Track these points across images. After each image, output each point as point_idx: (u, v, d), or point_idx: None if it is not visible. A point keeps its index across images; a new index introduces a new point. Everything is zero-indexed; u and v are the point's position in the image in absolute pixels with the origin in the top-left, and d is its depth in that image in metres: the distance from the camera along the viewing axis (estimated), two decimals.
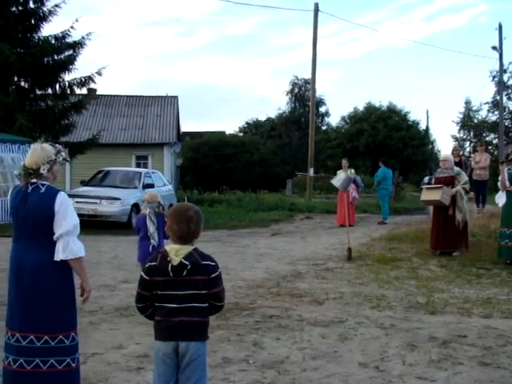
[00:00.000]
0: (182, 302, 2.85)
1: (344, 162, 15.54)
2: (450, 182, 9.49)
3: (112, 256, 10.22)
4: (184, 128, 41.59)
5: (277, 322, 5.68)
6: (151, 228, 6.42)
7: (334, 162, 41.01)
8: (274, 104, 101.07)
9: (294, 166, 42.00)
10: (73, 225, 3.25)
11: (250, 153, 39.03)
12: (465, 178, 9.66)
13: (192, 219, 2.92)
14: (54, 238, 3.24)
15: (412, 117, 47.16)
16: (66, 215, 3.25)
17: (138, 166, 28.92)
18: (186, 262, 2.85)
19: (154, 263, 2.90)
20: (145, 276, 2.91)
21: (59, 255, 3.22)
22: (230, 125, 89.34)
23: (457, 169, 9.69)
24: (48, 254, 3.23)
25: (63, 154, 3.45)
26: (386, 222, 15.81)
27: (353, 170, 15.47)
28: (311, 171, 24.46)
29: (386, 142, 42.77)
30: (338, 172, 14.18)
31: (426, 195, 9.68)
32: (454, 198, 9.41)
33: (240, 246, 11.16)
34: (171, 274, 2.85)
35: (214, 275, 2.92)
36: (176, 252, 2.88)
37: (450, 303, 6.43)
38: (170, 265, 2.85)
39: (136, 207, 15.24)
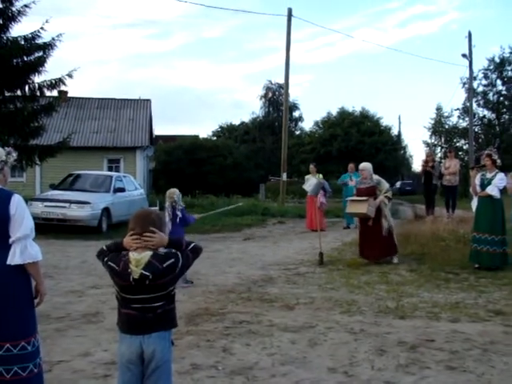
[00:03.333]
0: (143, 303, 2.84)
1: (311, 166, 15.62)
2: (371, 192, 9.51)
3: (81, 261, 10.09)
4: (157, 131, 41.45)
5: (247, 327, 5.67)
6: (166, 218, 7.66)
7: (307, 167, 41.42)
8: (248, 108, 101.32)
9: (267, 171, 42.13)
10: (30, 228, 3.19)
11: (223, 157, 39.01)
12: (385, 185, 9.70)
13: (155, 223, 2.90)
14: (10, 241, 3.15)
15: (384, 122, 47.93)
16: (23, 218, 3.17)
17: (110, 169, 28.65)
18: (147, 273, 2.80)
19: (116, 267, 2.86)
20: (105, 249, 2.96)
21: (16, 259, 3.13)
22: (204, 129, 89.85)
23: (376, 178, 9.73)
24: (4, 258, 3.14)
25: (14, 155, 3.39)
26: (351, 227, 15.78)
27: (321, 176, 15.56)
28: (284, 176, 24.55)
29: (358, 147, 43.28)
30: (307, 177, 14.24)
31: (352, 208, 9.75)
32: (378, 207, 9.44)
33: (212, 251, 11.13)
34: (133, 283, 2.81)
35: (179, 266, 2.86)
36: (136, 263, 2.82)
37: (419, 308, 6.50)
38: (131, 276, 2.81)
39: (107, 211, 15.08)
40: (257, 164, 43.29)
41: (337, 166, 42.52)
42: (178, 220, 7.83)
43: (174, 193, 7.97)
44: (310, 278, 8.49)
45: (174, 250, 2.89)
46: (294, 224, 18.05)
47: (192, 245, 2.95)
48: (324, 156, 43.16)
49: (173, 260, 2.85)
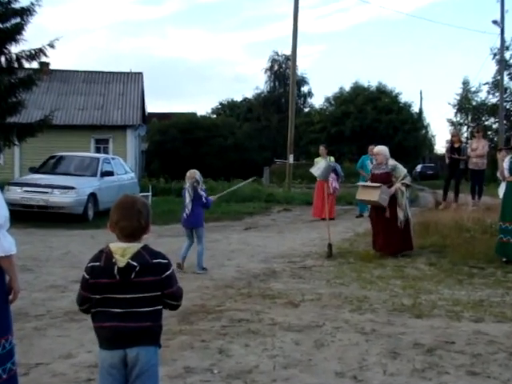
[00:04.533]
0: (130, 306, 2.82)
1: (322, 148, 15.69)
2: (386, 179, 9.58)
3: (64, 252, 10.13)
4: (150, 108, 41.40)
5: (246, 326, 5.69)
6: (187, 199, 8.55)
7: (316, 148, 41.32)
8: (251, 83, 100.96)
9: (272, 153, 42.12)
10: (4, 218, 3.17)
11: (223, 137, 39.00)
12: (402, 171, 9.74)
13: (142, 213, 2.89)
14: None
15: (404, 98, 47.73)
16: None
17: (98, 150, 28.70)
18: (134, 263, 2.81)
19: (97, 263, 2.86)
20: (87, 276, 2.87)
21: None
22: (202, 105, 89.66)
23: (392, 163, 9.79)
24: None
25: None
26: (364, 215, 15.84)
27: (332, 158, 15.59)
28: (291, 158, 24.56)
29: (374, 126, 43.14)
30: (317, 160, 14.30)
31: (363, 194, 9.83)
32: (393, 196, 9.47)
33: (209, 242, 11.13)
34: (118, 276, 2.81)
35: (166, 274, 2.89)
36: (122, 252, 2.83)
37: (438, 306, 6.51)
38: (115, 267, 2.81)
39: (93, 197, 15.12)
40: (260, 145, 43.27)
41: (349, 148, 42.52)
42: (203, 199, 8.59)
43: (195, 173, 8.66)
44: (317, 272, 8.52)
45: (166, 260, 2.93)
46: (301, 212, 18.10)
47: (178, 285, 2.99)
48: (335, 136, 43.10)
49: (164, 261, 2.90)
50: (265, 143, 44.62)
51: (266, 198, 20.98)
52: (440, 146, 70.41)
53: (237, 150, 38.96)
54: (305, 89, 53.13)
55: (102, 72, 33.88)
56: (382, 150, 9.89)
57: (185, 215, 8.66)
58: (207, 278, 8.06)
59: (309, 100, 53.92)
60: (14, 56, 17.06)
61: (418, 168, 47.75)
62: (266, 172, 31.25)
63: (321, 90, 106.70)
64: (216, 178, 25.92)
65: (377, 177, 9.74)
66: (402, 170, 9.80)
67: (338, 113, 45.17)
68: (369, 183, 9.84)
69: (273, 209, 18.92)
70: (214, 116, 51.35)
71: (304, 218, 16.31)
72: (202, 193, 8.64)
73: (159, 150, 37.37)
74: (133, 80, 33.36)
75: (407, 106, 47.47)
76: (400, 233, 9.49)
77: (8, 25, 16.87)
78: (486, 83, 41.39)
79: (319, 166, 10.53)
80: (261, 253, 10.28)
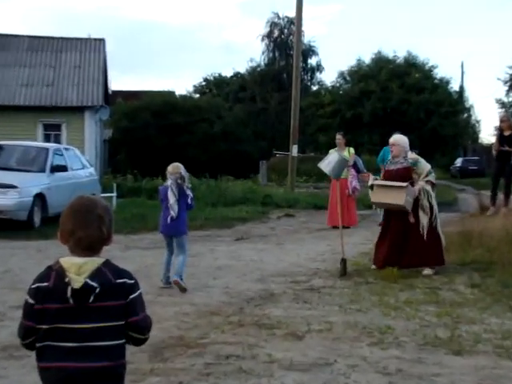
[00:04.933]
0: (85, 339, 2.78)
1: (339, 137, 15.75)
2: (404, 176, 9.73)
3: (2, 270, 10.11)
4: (115, 85, 41.55)
5: (236, 364, 5.69)
6: (171, 199, 8.82)
7: (327, 137, 41.36)
8: (244, 53, 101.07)
9: (270, 143, 42.30)
10: None
11: (209, 122, 39.11)
12: (425, 167, 9.87)
13: (104, 220, 2.87)
14: None
15: (440, 73, 47.93)
16: None
17: (47, 139, 28.66)
18: (94, 284, 2.78)
19: (44, 284, 2.82)
20: (31, 300, 2.84)
21: None
22: (182, 82, 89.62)
23: (412, 156, 9.94)
24: None
25: None
26: None
27: (352, 150, 15.66)
28: (295, 150, 24.62)
29: (401, 108, 43.29)
30: (331, 151, 14.33)
31: (381, 196, 9.87)
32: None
33: (190, 256, 11.15)
34: (71, 300, 2.78)
35: (132, 297, 2.87)
36: (78, 269, 2.79)
37: (483, 339, 6.51)
38: (69, 288, 2.79)
39: (40, 199, 15.08)
40: (256, 133, 43.43)
41: (369, 137, 42.62)
42: (189, 201, 8.96)
43: (179, 167, 9.00)
44: (327, 294, 8.55)
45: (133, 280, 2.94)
46: (307, 218, 18.21)
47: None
48: (352, 122, 43.27)
49: (130, 282, 2.89)
50: (261, 130, 44.80)
51: (263, 201, 21.05)
52: (486, 134, 70.26)
53: (226, 139, 39.06)
54: (313, 61, 53.42)
55: (52, 38, 33.84)
56: (399, 139, 10.05)
57: (169, 219, 8.91)
58: (187, 303, 8.06)
59: (318, 75, 54.20)
60: None
61: (458, 162, 46.94)
62: (263, 167, 31.31)
63: (333, 62, 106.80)
64: (199, 175, 25.94)
65: (392, 174, 9.89)
66: (425, 164, 9.93)
67: (356, 92, 45.33)
68: (388, 182, 9.88)
69: (271, 214, 18.98)
70: (197, 96, 51.48)
71: (311, 227, 16.41)
72: (189, 193, 8.97)
73: (126, 138, 37.46)
74: (92, 49, 33.37)
75: (444, 83, 47.58)
76: (421, 241, 9.62)
77: None
78: None
79: (330, 159, 10.51)
80: (255, 270, 10.32)
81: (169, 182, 8.92)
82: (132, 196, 22.20)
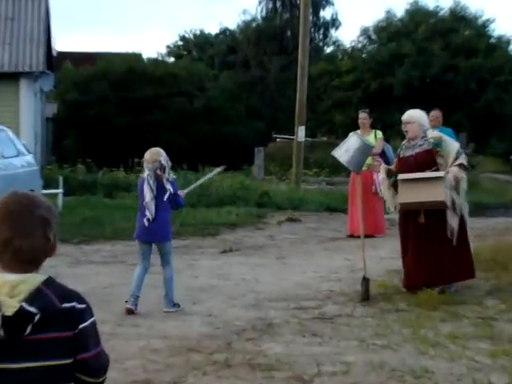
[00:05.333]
0: (20, 383, 2.75)
1: (362, 116, 15.77)
2: (426, 162, 9.89)
3: None
4: (61, 45, 41.42)
5: None
6: (148, 196, 9.13)
7: (345, 116, 41.15)
8: (234, 3, 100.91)
9: (270, 123, 42.19)
10: None
11: (187, 96, 39.02)
12: (453, 146, 9.96)
13: (49, 223, 2.83)
14: None
15: (498, 30, 47.72)
16: None
17: None
18: (32, 309, 2.71)
19: None
20: None
21: None
22: (151, 42, 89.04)
23: (434, 134, 10.00)
24: None
25: None
26: None
27: (379, 133, 15.67)
28: (301, 133, 24.59)
29: (445, 78, 43.14)
30: (350, 135, 14.34)
31: (411, 194, 9.86)
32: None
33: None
34: (2, 331, 2.71)
35: (82, 327, 2.83)
36: (11, 290, 2.73)
37: None
38: None
39: None
40: (250, 110, 43.33)
41: (400, 115, 42.26)
42: (167, 198, 9.15)
43: (159, 153, 9.32)
44: (343, 325, 8.61)
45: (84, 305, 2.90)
46: (317, 223, 18.36)
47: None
48: (378, 95, 43.11)
49: (80, 307, 2.85)
50: (257, 107, 44.67)
51: (259, 200, 20.99)
52: None
53: (210, 118, 38.95)
54: (326, 14, 53.26)
55: None
56: (413, 115, 10.22)
57: (145, 221, 9.17)
58: (156, 335, 8.12)
59: (333, 33, 53.90)
60: None
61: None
62: (259, 156, 31.23)
63: (354, 16, 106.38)
64: (174, 166, 25.93)
65: (409, 162, 10.00)
66: (452, 144, 10.13)
67: (384, 55, 45.11)
68: (416, 174, 9.89)
69: (269, 218, 18.96)
70: (172, 60, 51.36)
71: (323, 235, 16.51)
72: (169, 187, 9.14)
73: (77, 116, 37.31)
74: None
75: (503, 43, 47.29)
76: (449, 251, 9.78)
77: None
78: None
79: (348, 145, 10.52)
80: (248, 292, 10.39)
81: (145, 174, 9.22)
82: (84, 193, 22.15)
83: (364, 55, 47.41)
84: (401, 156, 10.29)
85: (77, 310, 2.83)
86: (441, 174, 9.69)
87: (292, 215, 19.36)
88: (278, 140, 36.65)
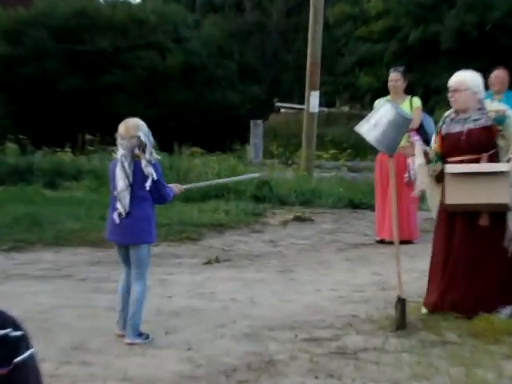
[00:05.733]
0: None
1: (395, 76, 15.82)
2: (483, 143, 9.85)
3: None
4: None
5: None
6: (121, 183, 9.06)
7: (373, 78, 41.02)
8: None
9: (271, 88, 42.21)
10: None
11: (158, 50, 38.99)
12: None
13: None
14: None
15: None
16: None
17: None
18: None
19: None
20: None
21: None
22: None
23: (495, 106, 9.94)
24: None
25: None
26: None
27: (417, 101, 15.66)
28: (314, 100, 24.61)
29: (509, 23, 43.07)
30: (379, 103, 14.30)
31: (464, 192, 9.82)
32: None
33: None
34: None
35: (19, 361, 2.89)
36: None
37: None
38: None
39: None
40: (245, 69, 43.37)
41: (449, 76, 42.14)
42: (148, 185, 9.10)
43: (137, 126, 9.24)
44: (370, 363, 8.59)
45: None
46: (335, 224, 18.49)
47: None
48: (420, 50, 43.12)
49: (15, 335, 2.90)
50: (254, 65, 44.72)
51: (256, 193, 21.01)
52: None
53: (189, 79, 38.99)
54: None
55: None
56: (464, 80, 10.13)
57: (115, 217, 9.26)
58: (114, 377, 8.08)
59: None
60: None
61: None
62: (257, 132, 31.24)
63: None
64: None
65: (457, 141, 9.94)
66: None
67: None
68: (474, 166, 9.83)
69: (270, 217, 19.02)
70: (137, 0, 51.40)
71: (342, 239, 16.58)
72: (151, 170, 9.06)
73: (6, 76, 37.31)
74: None
75: None
76: (508, 265, 9.86)
77: None
78: None
79: (377, 117, 10.47)
80: (241, 318, 10.36)
81: (119, 154, 9.12)
82: (16, 182, 22.16)
83: None
84: (444, 133, 10.17)
85: (11, 339, 2.88)
86: (504, 166, 9.64)
87: (301, 213, 19.39)
88: (282, 111, 36.75)
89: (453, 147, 9.94)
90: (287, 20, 45.81)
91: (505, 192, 9.53)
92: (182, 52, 39.49)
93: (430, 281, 10.38)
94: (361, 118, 10.97)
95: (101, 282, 12.36)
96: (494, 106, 10.04)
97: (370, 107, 16.04)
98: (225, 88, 40.24)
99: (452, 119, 10.16)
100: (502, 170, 9.61)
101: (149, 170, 8.97)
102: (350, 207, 20.29)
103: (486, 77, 16.20)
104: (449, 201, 10.11)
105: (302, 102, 26.16)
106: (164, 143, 26.37)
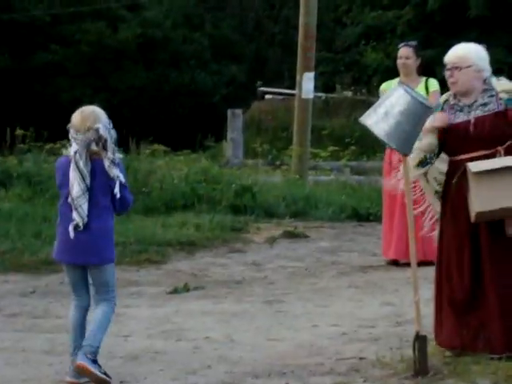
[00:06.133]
0: None
1: (405, 52, 15.91)
2: (493, 133, 9.85)
3: None
4: None
5: None
6: (76, 187, 9.06)
7: (382, 54, 40.91)
8: None
9: (253, 68, 42.35)
10: None
11: (108, 19, 39.07)
12: None
13: None
14: None
15: None
16: None
17: None
18: None
19: None
20: None
21: None
22: None
23: (506, 87, 9.95)
24: None
25: None
26: None
27: (434, 83, 15.73)
28: (308, 84, 24.69)
29: None
30: (385, 86, 14.36)
31: (493, 195, 9.85)
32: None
33: (59, 331, 11.26)
34: None
35: None
36: None
37: None
38: None
39: None
40: (220, 44, 43.46)
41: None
42: (116, 190, 9.23)
43: (95, 117, 9.49)
44: None
45: None
46: (336, 241, 18.58)
47: None
48: (441, 19, 43.14)
49: None
50: (231, 39, 44.84)
51: (235, 202, 21.03)
52: None
53: (148, 57, 39.12)
54: None
55: None
56: (465, 54, 10.17)
57: (70, 230, 9.13)
58: None
59: None
60: None
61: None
62: (236, 124, 31.33)
63: None
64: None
65: (463, 132, 9.93)
66: None
67: None
68: (502, 160, 9.83)
69: (253, 233, 19.07)
70: None
71: (346, 261, 16.62)
72: (117, 171, 9.25)
73: None
74: None
75: None
76: None
77: None
78: None
79: (388, 104, 10.52)
80: (217, 361, 10.40)
81: (71, 151, 9.14)
82: None
83: None
84: (451, 122, 10.13)
85: None
86: None
87: (292, 227, 19.44)
88: (267, 97, 36.78)
89: (458, 142, 9.95)
90: None
91: None
92: (138, 22, 39.54)
93: (447, 311, 10.26)
94: (368, 105, 11.03)
95: (37, 317, 12.35)
96: (503, 84, 9.94)
97: (378, 92, 16.09)
98: (194, 68, 40.29)
99: (452, 106, 10.17)
100: None
101: (114, 172, 9.04)
102: (355, 219, 20.32)
103: None
104: (479, 208, 9.99)
105: (292, 86, 26.21)
106: (120, 140, 26.46)
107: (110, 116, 29.83)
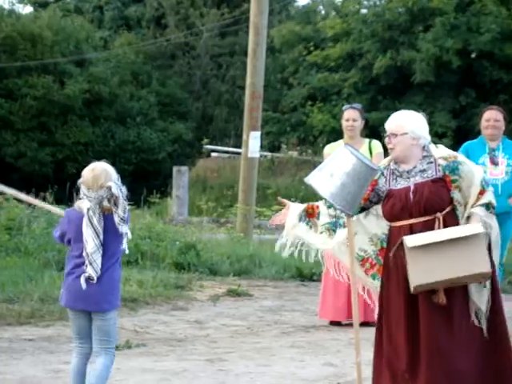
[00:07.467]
0: None
1: (350, 114, 15.95)
2: (433, 200, 9.86)
3: None
4: None
5: None
6: (91, 243, 9.17)
7: (328, 116, 40.98)
8: None
9: (199, 126, 42.37)
10: None
11: (56, 75, 39.06)
12: (475, 172, 9.94)
13: None
14: None
15: None
16: None
17: None
18: None
19: None
20: None
21: None
22: None
23: (443, 153, 10.01)
24: None
25: None
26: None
27: (377, 146, 15.79)
28: (254, 143, 24.72)
29: (504, 52, 43.55)
30: (329, 148, 14.40)
31: (438, 267, 9.85)
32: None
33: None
34: None
35: None
36: None
37: None
38: None
39: None
40: (166, 101, 43.50)
41: (423, 114, 42.39)
42: (124, 245, 9.53)
43: (106, 174, 9.49)
44: None
45: None
46: (280, 300, 18.59)
47: None
48: (387, 82, 43.34)
49: None
50: (178, 96, 44.92)
51: (179, 259, 21.01)
52: None
53: (95, 112, 39.11)
54: None
55: None
56: (404, 122, 10.09)
57: (83, 282, 9.19)
58: None
59: None
60: None
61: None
62: (181, 181, 31.39)
63: None
64: (28, 188, 25.80)
65: (402, 200, 9.91)
66: (473, 168, 10.04)
67: (399, 12, 45.53)
68: (436, 233, 9.82)
69: (197, 291, 19.04)
70: (29, 11, 51.58)
71: (289, 320, 16.58)
72: (126, 228, 9.43)
73: None
74: None
75: None
76: (493, 356, 9.76)
77: None
78: None
79: (332, 164, 10.56)
80: None
81: (85, 207, 9.27)
82: None
83: (364, 11, 47.93)
84: (384, 189, 10.13)
85: None
86: (475, 228, 9.60)
87: (236, 286, 19.43)
88: (213, 155, 36.84)
89: (399, 210, 9.93)
90: (221, 41, 46.05)
91: (486, 258, 9.62)
92: (85, 78, 39.56)
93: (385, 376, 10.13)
94: (313, 166, 11.10)
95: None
96: (441, 151, 9.96)
97: (319, 153, 16.13)
98: (141, 125, 40.32)
99: (393, 172, 10.19)
100: (477, 231, 9.70)
101: (123, 229, 9.19)
102: (298, 279, 20.34)
103: (478, 116, 16.37)
104: (417, 281, 9.96)
105: (238, 144, 26.33)
106: (60, 194, 26.35)
107: (55, 172, 30.27)
